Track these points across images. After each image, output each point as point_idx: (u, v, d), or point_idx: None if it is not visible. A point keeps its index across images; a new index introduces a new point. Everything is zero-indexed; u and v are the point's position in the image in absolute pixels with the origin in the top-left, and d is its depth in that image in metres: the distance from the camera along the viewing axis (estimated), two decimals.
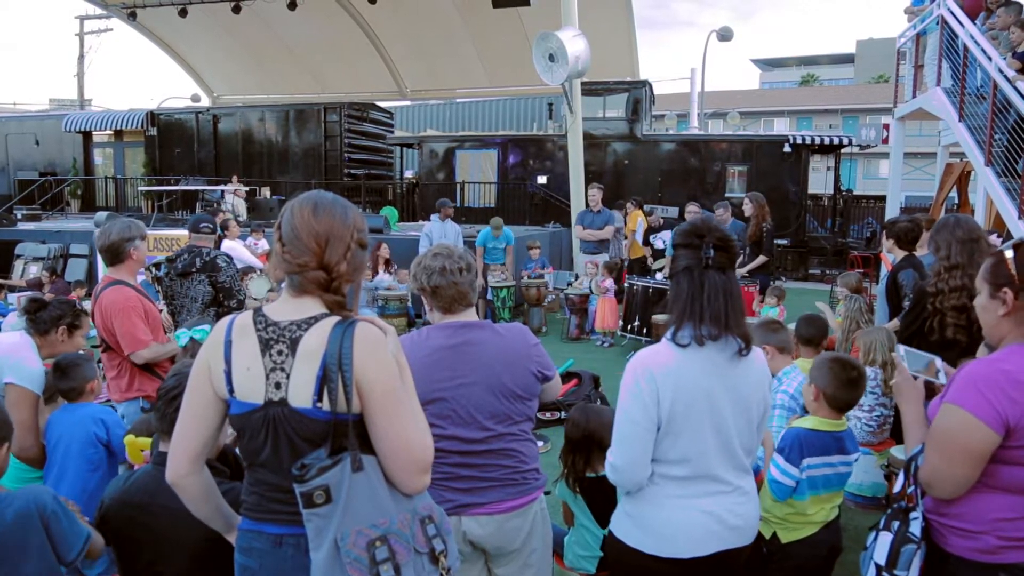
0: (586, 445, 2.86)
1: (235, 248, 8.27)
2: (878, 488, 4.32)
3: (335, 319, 1.73)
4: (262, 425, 1.72)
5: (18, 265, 12.13)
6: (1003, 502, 1.89)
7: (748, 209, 8.05)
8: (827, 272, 14.90)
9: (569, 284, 10.26)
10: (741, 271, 7.70)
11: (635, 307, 8.54)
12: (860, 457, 2.80)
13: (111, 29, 29.00)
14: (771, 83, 54.53)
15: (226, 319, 1.81)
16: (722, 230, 2.18)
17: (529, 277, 10.23)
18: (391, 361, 1.72)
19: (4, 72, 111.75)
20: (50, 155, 21.32)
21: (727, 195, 14.34)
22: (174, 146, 20.11)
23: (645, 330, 8.31)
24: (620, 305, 9.04)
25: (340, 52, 21.80)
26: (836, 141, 15.99)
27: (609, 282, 8.93)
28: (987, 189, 7.68)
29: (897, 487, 2.11)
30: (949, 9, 8.44)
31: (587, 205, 10.90)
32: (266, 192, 17.37)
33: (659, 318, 7.89)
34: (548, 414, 5.75)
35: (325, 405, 1.67)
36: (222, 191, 15.78)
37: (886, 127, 16.95)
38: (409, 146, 19.98)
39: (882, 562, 2.02)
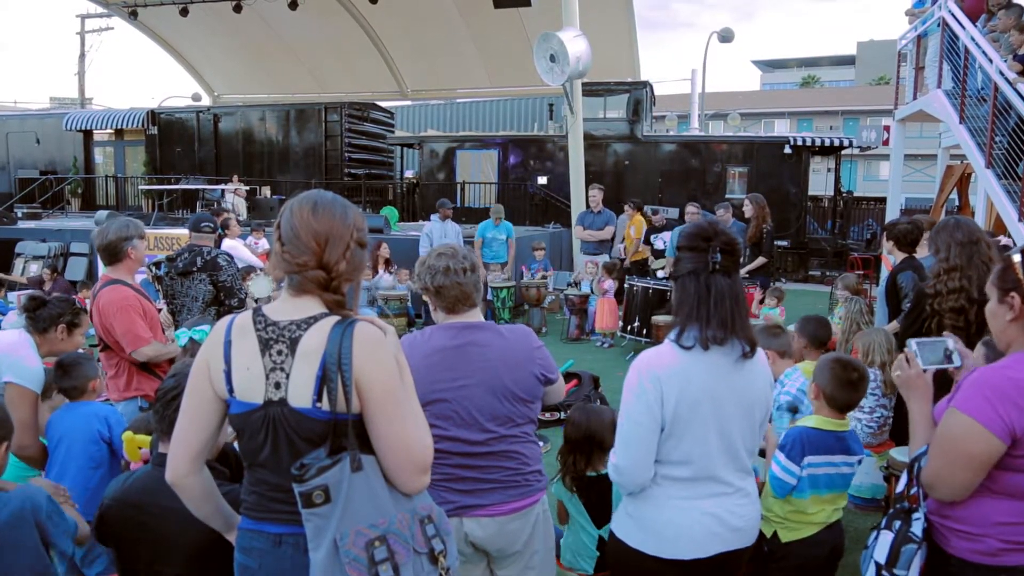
0: (586, 445, 2.86)
1: (236, 247, 8.26)
2: (877, 490, 4.32)
3: (334, 319, 1.73)
4: (262, 425, 1.72)
5: (18, 263, 12.13)
6: (1006, 507, 1.89)
7: (748, 210, 8.05)
8: (827, 273, 14.89)
9: (569, 285, 10.27)
10: (741, 272, 7.69)
11: (635, 308, 8.54)
12: (864, 459, 2.79)
13: (112, 28, 29.10)
14: (772, 84, 54.53)
15: (225, 319, 1.81)
16: (728, 234, 2.17)
17: (532, 277, 10.23)
18: (391, 361, 1.72)
19: (5, 70, 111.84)
20: (51, 153, 21.31)
21: (727, 196, 14.34)
22: (175, 145, 20.11)
23: (645, 331, 8.30)
24: (620, 306, 9.04)
25: (341, 52, 21.81)
26: (836, 143, 15.99)
27: (609, 283, 8.93)
28: (987, 191, 7.68)
29: (900, 487, 2.11)
30: (950, 11, 8.44)
31: (587, 206, 10.90)
32: (266, 191, 17.37)
33: (659, 319, 7.89)
34: (548, 414, 5.75)
35: (325, 405, 1.67)
36: (222, 190, 15.78)
37: (887, 129, 16.94)
38: (409, 146, 19.98)
39: (882, 561, 2.02)
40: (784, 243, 14.69)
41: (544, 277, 10.32)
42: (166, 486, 1.84)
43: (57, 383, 3.16)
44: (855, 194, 21.29)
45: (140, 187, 19.17)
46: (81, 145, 21.16)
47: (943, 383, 2.21)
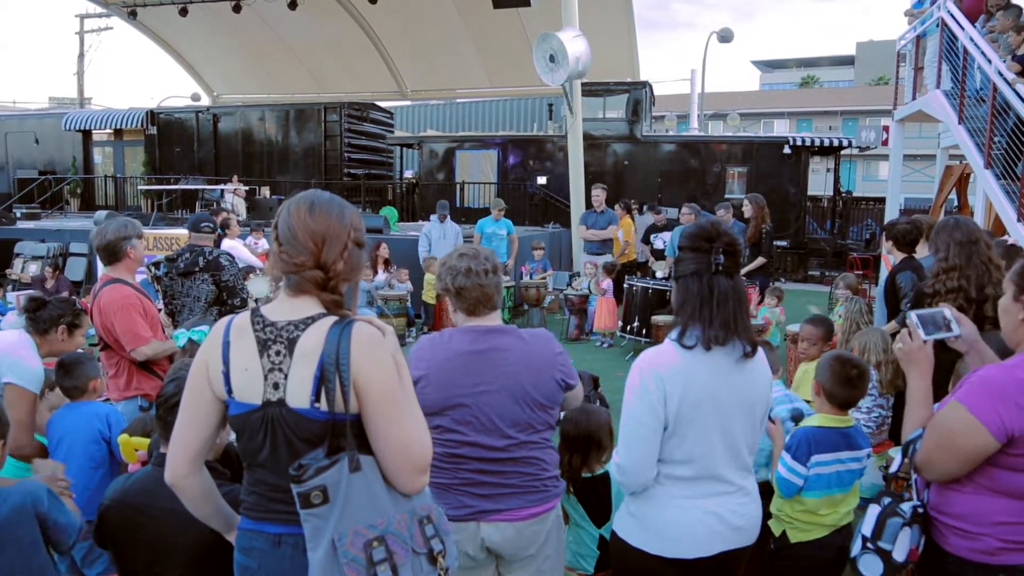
0: (584, 445, 2.86)
1: (235, 247, 8.26)
2: (876, 489, 4.31)
3: (332, 319, 1.73)
4: (260, 425, 1.72)
5: (17, 263, 12.13)
6: (1005, 506, 1.90)
7: (748, 210, 8.05)
8: (826, 274, 14.91)
9: (568, 284, 10.27)
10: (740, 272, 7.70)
11: (635, 308, 8.54)
12: (869, 453, 2.80)
13: (111, 28, 29.05)
14: (771, 84, 54.56)
15: (224, 320, 1.82)
16: (731, 234, 2.17)
17: (531, 275, 10.23)
18: (389, 361, 1.72)
19: (4, 70, 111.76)
20: (50, 154, 21.31)
21: (727, 196, 14.35)
22: (174, 145, 20.11)
23: (645, 331, 8.31)
24: (620, 306, 9.05)
25: (340, 52, 21.81)
26: (836, 143, 16.00)
27: (607, 282, 8.93)
28: (986, 191, 7.68)
29: (894, 467, 2.13)
30: (949, 12, 8.44)
31: (588, 206, 10.91)
32: (266, 191, 17.38)
33: (659, 319, 7.89)
34: None
35: (323, 405, 1.67)
36: (222, 190, 15.78)
37: (886, 129, 16.94)
38: (409, 146, 19.99)
39: (868, 534, 2.03)
40: (783, 243, 14.69)
41: (543, 277, 10.32)
42: (165, 487, 1.84)
43: (58, 383, 3.17)
44: (854, 194, 21.30)
45: (139, 187, 19.17)
46: (80, 145, 21.17)
47: (943, 379, 2.22)
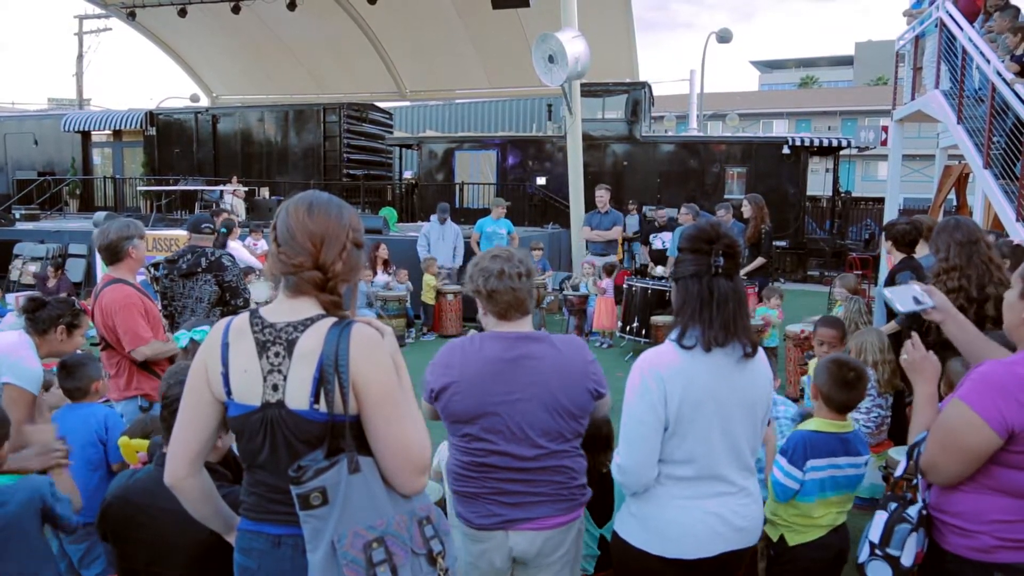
0: (585, 444, 2.85)
1: (235, 248, 8.27)
2: (876, 489, 4.32)
3: (331, 320, 1.73)
4: (260, 427, 1.72)
5: (16, 265, 12.12)
6: (1003, 504, 1.90)
7: (747, 211, 8.06)
8: (825, 274, 14.91)
9: (559, 288, 10.27)
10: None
11: (634, 308, 8.54)
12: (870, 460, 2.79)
13: (110, 29, 29.03)
14: (770, 85, 54.59)
15: (223, 321, 1.82)
16: (730, 236, 2.17)
17: None
18: (388, 362, 1.72)
19: (3, 71, 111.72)
20: (49, 155, 21.31)
21: (726, 196, 14.35)
22: (173, 146, 20.11)
23: (644, 331, 8.31)
24: (619, 306, 9.05)
25: (339, 52, 21.80)
26: (835, 143, 16.00)
27: (606, 282, 8.93)
28: (985, 191, 7.68)
29: (899, 471, 2.13)
30: (948, 12, 8.45)
31: (587, 206, 10.91)
32: (265, 192, 17.39)
33: (659, 319, 7.89)
34: None
35: (322, 407, 1.67)
36: (221, 191, 15.78)
37: (885, 129, 16.96)
38: (408, 147, 19.98)
39: (876, 540, 2.03)
40: (783, 243, 14.70)
41: (543, 278, 10.31)
42: (166, 487, 1.84)
43: (61, 384, 3.17)
44: (853, 194, 21.31)
45: (138, 188, 19.18)
46: (79, 146, 21.17)
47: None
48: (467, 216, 15.07)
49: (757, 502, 2.24)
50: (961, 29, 8.03)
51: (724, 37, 21.71)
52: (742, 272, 7.88)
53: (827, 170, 18.34)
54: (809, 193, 16.71)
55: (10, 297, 9.33)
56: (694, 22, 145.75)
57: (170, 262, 4.91)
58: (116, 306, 3.69)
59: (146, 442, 2.70)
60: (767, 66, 57.32)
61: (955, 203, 11.37)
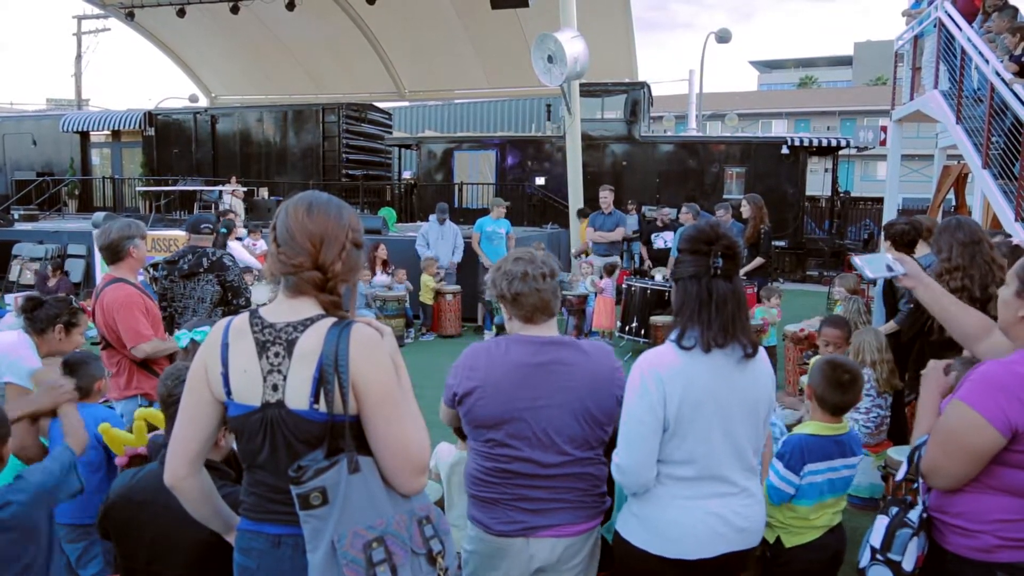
0: None
1: (234, 249, 8.27)
2: (875, 489, 4.33)
3: (331, 320, 1.73)
4: (260, 427, 1.72)
5: (15, 265, 12.12)
6: (1004, 503, 1.90)
7: (746, 211, 8.06)
8: (824, 274, 14.91)
9: (561, 283, 10.27)
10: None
11: (634, 308, 8.54)
12: (862, 459, 2.79)
13: (109, 29, 28.96)
14: (769, 85, 54.63)
15: (223, 321, 1.82)
16: (730, 237, 2.17)
17: None
18: (388, 362, 1.72)
19: (1, 72, 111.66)
20: (47, 155, 21.29)
21: (725, 196, 14.35)
22: (172, 146, 20.10)
23: (643, 331, 8.31)
24: (618, 306, 9.05)
25: (338, 53, 21.80)
26: (834, 143, 16.00)
27: (606, 281, 8.93)
28: (984, 191, 7.69)
29: (900, 475, 2.12)
30: (947, 12, 8.45)
31: (586, 207, 10.91)
32: (264, 192, 17.38)
33: (658, 319, 7.90)
34: None
35: (322, 407, 1.67)
36: (220, 191, 15.78)
37: (884, 129, 16.99)
38: (407, 147, 19.98)
39: (877, 545, 2.02)
40: (782, 243, 14.71)
41: None
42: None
43: None
44: (852, 194, 21.30)
45: (137, 188, 19.17)
46: (78, 146, 21.14)
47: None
48: (466, 216, 15.07)
49: (760, 503, 2.23)
50: (960, 29, 8.03)
51: (723, 37, 21.72)
52: (741, 272, 7.89)
53: (826, 170, 18.33)
54: (808, 193, 16.70)
55: (9, 297, 9.31)
56: (693, 22, 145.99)
57: (170, 263, 4.90)
58: (117, 304, 3.71)
59: (129, 435, 2.71)
60: (766, 66, 57.36)
61: (954, 203, 11.39)
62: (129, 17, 19.84)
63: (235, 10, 18.10)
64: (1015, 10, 7.89)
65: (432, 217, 10.27)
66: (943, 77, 8.83)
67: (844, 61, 52.18)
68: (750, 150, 15.95)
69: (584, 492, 2.27)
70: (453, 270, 10.14)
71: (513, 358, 2.22)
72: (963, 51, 7.89)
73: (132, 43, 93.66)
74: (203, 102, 24.53)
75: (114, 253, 3.81)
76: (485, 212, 10.89)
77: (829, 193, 17.56)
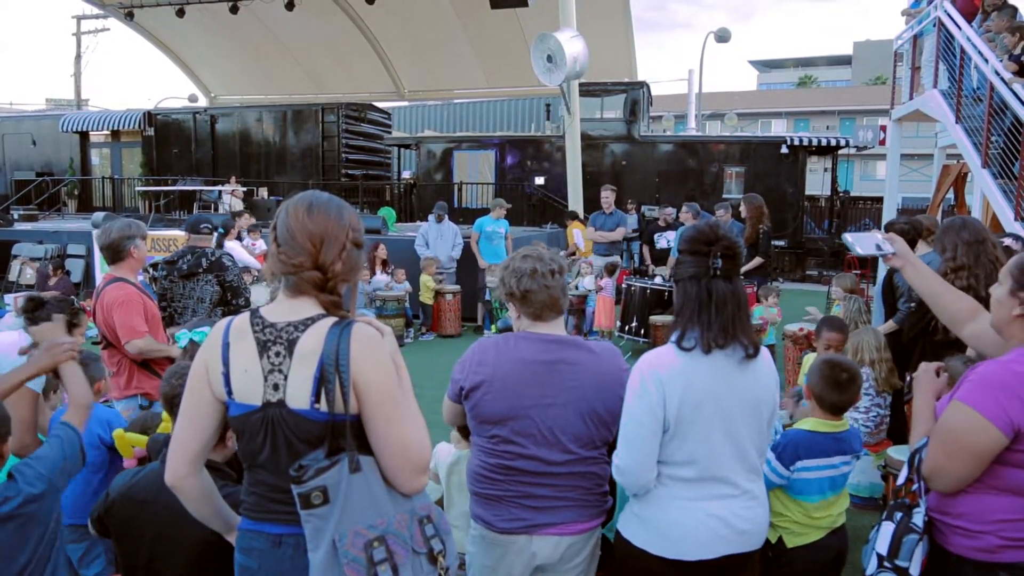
0: None
1: (234, 248, 8.26)
2: (875, 488, 4.33)
3: (332, 320, 1.73)
4: (260, 426, 1.72)
5: (15, 266, 12.11)
6: (1007, 503, 1.89)
7: (745, 211, 8.06)
8: (824, 273, 14.91)
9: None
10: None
11: (633, 308, 8.54)
12: (861, 456, 2.78)
13: (108, 29, 28.91)
14: (768, 84, 54.63)
15: (223, 321, 1.82)
16: (730, 238, 2.17)
17: None
18: (388, 362, 1.72)
19: (1, 72, 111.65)
20: (47, 155, 21.29)
21: (724, 196, 14.37)
22: (171, 146, 20.10)
23: (643, 331, 8.31)
24: (617, 306, 9.05)
25: (338, 52, 21.81)
26: (833, 142, 16.01)
27: (607, 281, 8.93)
28: (983, 191, 7.69)
29: (900, 479, 2.12)
30: (946, 11, 8.45)
31: (587, 207, 10.91)
32: (264, 192, 17.37)
33: (658, 319, 7.90)
34: None
35: (323, 406, 1.67)
36: (219, 191, 15.77)
37: (883, 129, 16.98)
38: (407, 147, 19.98)
39: (884, 552, 2.01)
40: (781, 243, 14.71)
41: None
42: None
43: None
44: (852, 194, 21.29)
45: (137, 188, 19.18)
46: (77, 146, 21.14)
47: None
48: (466, 216, 15.07)
49: (762, 505, 2.22)
50: (959, 28, 8.03)
51: (722, 37, 21.72)
52: (741, 272, 7.88)
53: (825, 169, 18.34)
54: (807, 193, 16.71)
55: (8, 297, 9.30)
56: (693, 22, 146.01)
57: (169, 263, 4.91)
58: (116, 303, 3.74)
59: (144, 438, 2.70)
60: (765, 66, 57.35)
61: (953, 202, 11.38)
62: (128, 17, 19.85)
63: (234, 10, 18.10)
64: (1014, 9, 7.89)
65: (431, 216, 10.27)
66: (942, 76, 8.83)
67: (843, 61, 52.17)
68: (749, 150, 15.96)
69: (587, 491, 2.27)
70: (453, 267, 10.14)
71: (522, 354, 2.23)
72: (962, 50, 7.89)
73: (131, 43, 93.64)
74: (202, 102, 24.54)
75: (115, 253, 3.84)
76: (485, 212, 10.89)
77: (828, 193, 17.57)
